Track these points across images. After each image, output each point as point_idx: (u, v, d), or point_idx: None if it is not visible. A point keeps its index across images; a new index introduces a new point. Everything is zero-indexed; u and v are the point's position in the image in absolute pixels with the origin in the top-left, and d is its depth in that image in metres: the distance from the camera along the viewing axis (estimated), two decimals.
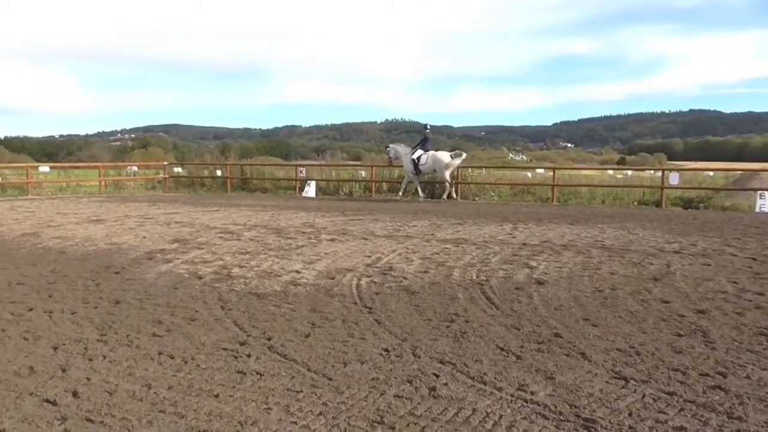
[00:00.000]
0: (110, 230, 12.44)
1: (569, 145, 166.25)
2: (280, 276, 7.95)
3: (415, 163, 21.88)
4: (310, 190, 24.29)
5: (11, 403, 4.01)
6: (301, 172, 26.01)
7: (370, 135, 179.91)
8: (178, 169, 31.32)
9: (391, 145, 23.87)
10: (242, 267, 8.50)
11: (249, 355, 4.90)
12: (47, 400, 4.05)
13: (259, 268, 8.46)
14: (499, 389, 4.19)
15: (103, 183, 26.77)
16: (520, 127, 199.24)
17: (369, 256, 9.35)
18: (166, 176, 28.55)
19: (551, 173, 24.27)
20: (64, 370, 4.60)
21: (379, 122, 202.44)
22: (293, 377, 4.44)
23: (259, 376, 4.46)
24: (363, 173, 27.33)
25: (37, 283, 7.62)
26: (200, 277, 7.84)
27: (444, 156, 21.63)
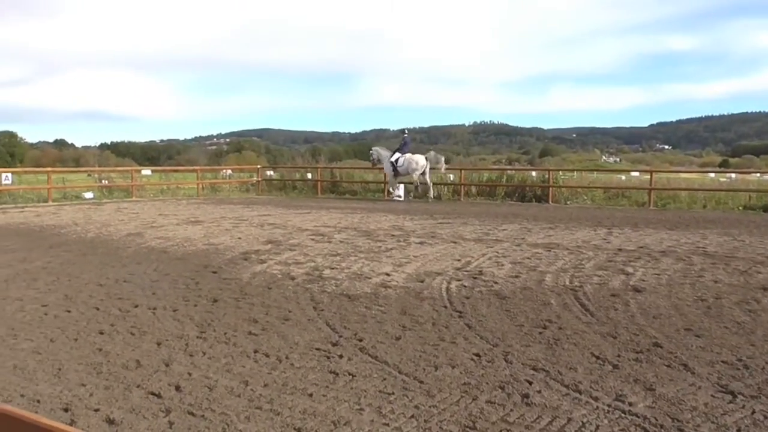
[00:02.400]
0: (208, 231, 12.94)
1: (666, 146, 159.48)
2: (370, 278, 8.03)
3: (394, 166, 23.45)
4: (399, 193, 24.42)
5: (120, 394, 4.24)
6: None
7: (458, 138, 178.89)
8: (270, 173, 32.21)
9: (374, 148, 25.66)
10: (333, 268, 8.64)
11: (341, 356, 4.97)
12: (152, 393, 4.25)
13: (350, 270, 8.58)
14: (596, 399, 4.07)
15: (200, 186, 27.89)
16: (613, 128, 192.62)
17: (458, 260, 9.30)
18: (260, 179, 29.43)
19: (648, 176, 23.31)
20: (167, 365, 4.82)
21: (467, 125, 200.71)
22: (385, 379, 4.47)
23: (351, 376, 4.52)
24: (451, 176, 27.21)
25: (142, 281, 8.03)
26: (293, 278, 8.03)
27: (419, 159, 23.08)
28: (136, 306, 6.69)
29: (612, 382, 4.38)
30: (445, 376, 4.52)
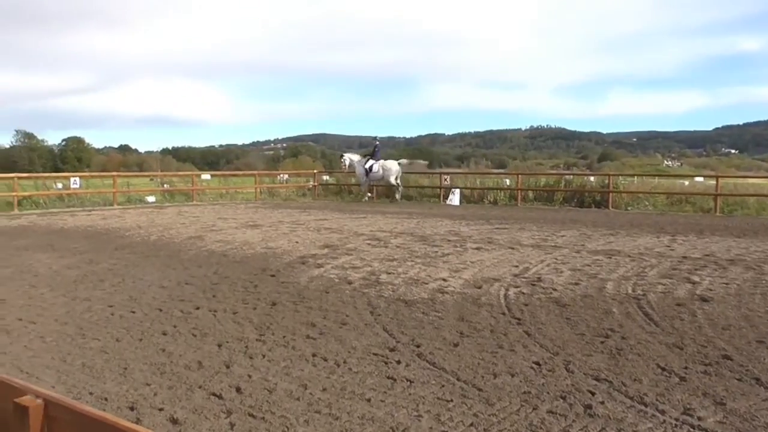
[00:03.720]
0: (266, 235, 13.14)
1: (732, 151, 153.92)
2: (426, 283, 7.99)
3: (367, 171, 25.45)
4: (455, 198, 24.31)
5: (183, 394, 4.33)
6: (445, 180, 26.12)
7: (514, 142, 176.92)
8: (326, 177, 32.53)
9: (345, 155, 28.07)
10: (390, 273, 8.64)
11: (399, 362, 4.96)
12: (214, 394, 4.33)
13: (406, 275, 8.56)
14: (662, 412, 3.94)
15: (258, 190, 28.38)
16: (675, 132, 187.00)
17: (516, 266, 9.17)
18: (316, 184, 29.75)
19: (713, 181, 22.52)
20: (228, 367, 4.89)
21: (523, 129, 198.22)
22: (443, 386, 4.43)
23: (409, 382, 4.50)
24: (508, 181, 26.94)
25: (202, 283, 8.20)
26: (350, 282, 8.07)
27: (393, 164, 25.52)
28: (198, 308, 6.83)
29: (679, 395, 4.23)
30: (504, 385, 4.45)
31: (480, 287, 7.74)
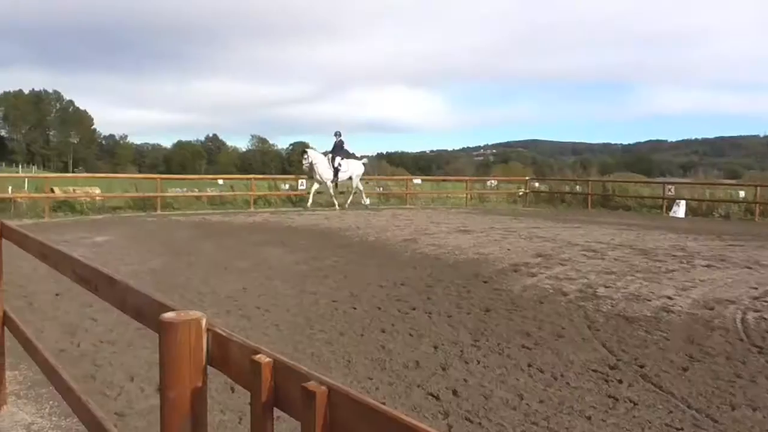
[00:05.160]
0: (477, 241, 13.20)
1: None
2: (649, 300, 7.50)
3: (336, 171, 21.96)
4: (679, 210, 22.53)
5: (402, 391, 4.50)
6: (669, 190, 24.29)
7: (750, 150, 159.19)
8: (537, 184, 31.91)
9: (309, 151, 23.23)
10: (608, 287, 8.24)
11: (620, 381, 4.71)
12: (431, 394, 4.44)
13: (626, 290, 8.10)
14: None
15: (468, 195, 28.63)
16: None
17: (755, 288, 8.26)
18: (527, 191, 29.30)
19: None
20: (444, 369, 4.99)
21: (761, 135, 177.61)
22: (671, 412, 4.13)
23: (632, 404, 4.26)
24: (742, 193, 24.36)
25: (417, 285, 8.45)
26: (565, 294, 7.83)
27: (358, 164, 22.80)
28: (414, 309, 7.05)
29: None
30: (744, 418, 4.03)
31: (712, 309, 7.08)
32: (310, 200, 22.30)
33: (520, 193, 29.51)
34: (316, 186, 22.38)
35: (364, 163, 23.59)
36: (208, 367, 1.62)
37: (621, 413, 4.10)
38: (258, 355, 1.41)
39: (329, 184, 22.29)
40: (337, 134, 23.01)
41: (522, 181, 31.59)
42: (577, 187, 28.64)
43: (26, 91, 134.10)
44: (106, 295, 2.26)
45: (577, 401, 4.30)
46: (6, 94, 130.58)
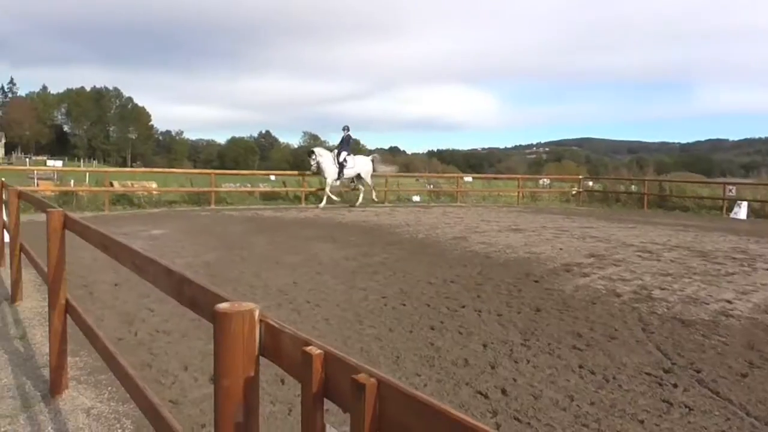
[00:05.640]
0: (528, 240, 13.05)
1: None
2: (707, 304, 7.28)
3: (341, 167, 21.18)
4: (741, 212, 21.78)
5: (451, 389, 4.49)
6: (730, 191, 23.51)
7: None
8: (591, 183, 31.33)
9: (316, 149, 22.27)
10: (663, 289, 8.03)
11: (675, 385, 4.59)
12: (480, 392, 4.42)
13: (683, 292, 7.88)
14: None
15: (520, 194, 28.33)
16: None
17: None
18: (580, 190, 28.79)
19: None
20: (493, 367, 4.96)
21: None
22: (728, 419, 4.00)
23: (687, 409, 4.14)
24: None
25: (467, 283, 8.41)
26: (618, 295, 7.67)
27: (366, 160, 22.17)
28: (463, 306, 7.02)
29: None
30: None
31: None
32: (324, 200, 21.87)
33: (573, 192, 29.03)
34: (327, 182, 21.68)
35: (372, 160, 22.85)
36: (260, 357, 1.65)
37: (675, 418, 4.00)
38: (309, 347, 1.43)
39: (330, 180, 21.50)
40: (346, 128, 22.20)
41: (575, 180, 31.06)
42: (633, 186, 28.00)
43: (88, 89, 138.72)
44: (164, 286, 2.33)
45: (630, 404, 4.22)
46: (69, 91, 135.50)
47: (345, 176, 21.68)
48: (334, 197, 21.94)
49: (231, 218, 17.01)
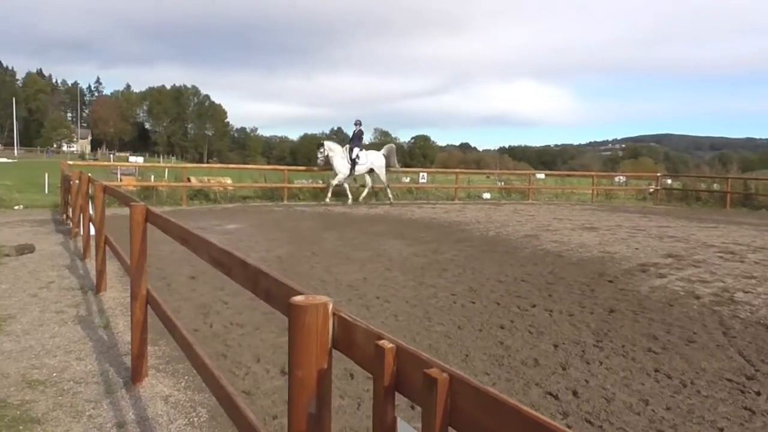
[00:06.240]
0: (602, 239, 12.72)
1: None
2: None
3: (353, 163, 20.37)
4: None
5: (520, 389, 4.44)
6: None
7: None
8: (669, 181, 30.26)
9: (326, 143, 21.43)
10: (747, 293, 7.69)
11: (758, 393, 4.40)
12: (550, 393, 4.35)
13: None
14: None
15: (594, 192, 27.64)
16: None
17: None
18: (658, 188, 27.85)
19: None
20: (563, 368, 4.87)
21: None
22: None
23: None
24: None
25: (538, 281, 8.28)
26: (698, 297, 7.39)
27: (379, 155, 21.03)
28: (534, 306, 6.92)
29: None
30: None
31: None
32: (329, 193, 21.12)
33: (651, 190, 28.13)
34: (338, 178, 20.79)
35: (384, 154, 21.52)
36: (333, 350, 1.68)
37: (758, 427, 3.83)
38: (382, 341, 1.45)
39: (341, 178, 20.73)
40: (357, 123, 21.34)
41: (653, 178, 30.08)
42: (715, 184, 26.92)
43: (168, 87, 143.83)
44: (239, 278, 2.40)
45: (709, 411, 4.06)
46: (150, 89, 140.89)
47: (357, 173, 20.97)
48: (349, 195, 21.16)
49: (302, 214, 17.31)
